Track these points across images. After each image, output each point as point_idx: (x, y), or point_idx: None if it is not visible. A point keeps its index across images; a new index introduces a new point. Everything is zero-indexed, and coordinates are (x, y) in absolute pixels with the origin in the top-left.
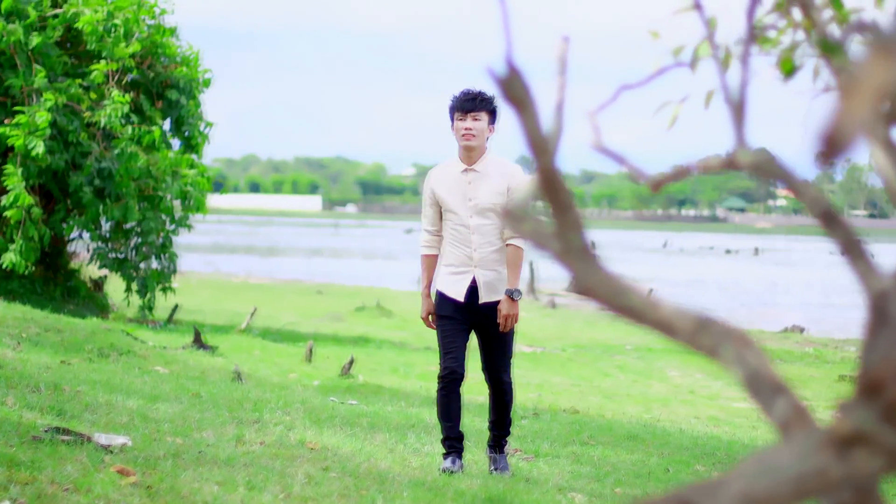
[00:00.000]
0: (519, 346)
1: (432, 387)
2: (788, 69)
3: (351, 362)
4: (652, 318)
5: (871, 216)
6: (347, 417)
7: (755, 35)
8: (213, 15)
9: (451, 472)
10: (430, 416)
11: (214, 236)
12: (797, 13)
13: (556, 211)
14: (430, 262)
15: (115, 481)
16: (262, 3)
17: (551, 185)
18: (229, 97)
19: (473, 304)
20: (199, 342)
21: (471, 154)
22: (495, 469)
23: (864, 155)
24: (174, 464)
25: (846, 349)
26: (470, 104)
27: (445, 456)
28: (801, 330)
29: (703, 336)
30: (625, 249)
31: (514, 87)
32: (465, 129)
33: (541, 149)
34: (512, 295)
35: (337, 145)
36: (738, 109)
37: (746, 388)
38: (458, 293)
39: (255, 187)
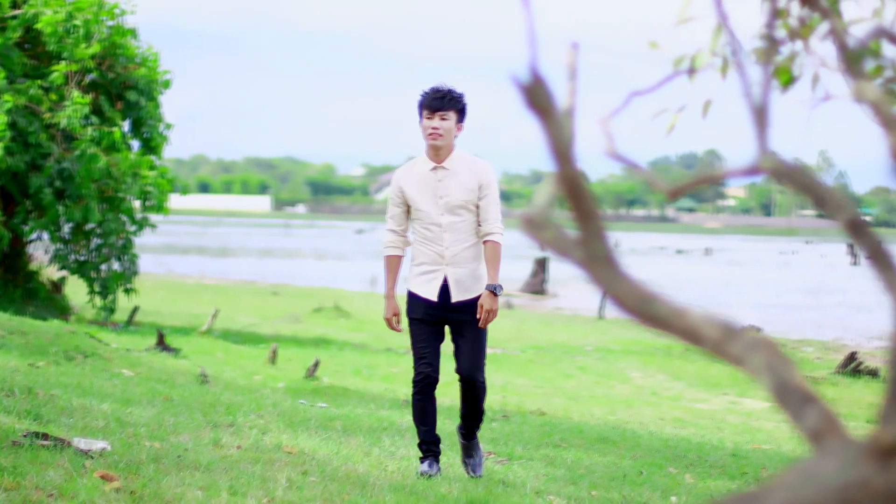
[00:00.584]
0: None
1: (397, 389)
2: (786, 80)
3: (316, 365)
4: (679, 327)
5: (820, 216)
6: (320, 420)
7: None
8: (159, 13)
9: (430, 475)
10: (401, 418)
11: (165, 237)
12: (794, 23)
13: (579, 219)
14: (395, 263)
15: (98, 487)
16: (209, 1)
17: (575, 192)
18: (178, 97)
19: (446, 304)
20: (162, 344)
21: (438, 152)
22: (466, 459)
23: (813, 156)
24: (156, 469)
25: (804, 349)
26: (438, 103)
27: (423, 460)
28: (758, 330)
29: (730, 344)
30: None
31: (538, 94)
32: (433, 128)
33: (564, 156)
34: (494, 290)
35: (286, 145)
36: (760, 114)
37: (774, 397)
38: (431, 293)
39: (204, 188)
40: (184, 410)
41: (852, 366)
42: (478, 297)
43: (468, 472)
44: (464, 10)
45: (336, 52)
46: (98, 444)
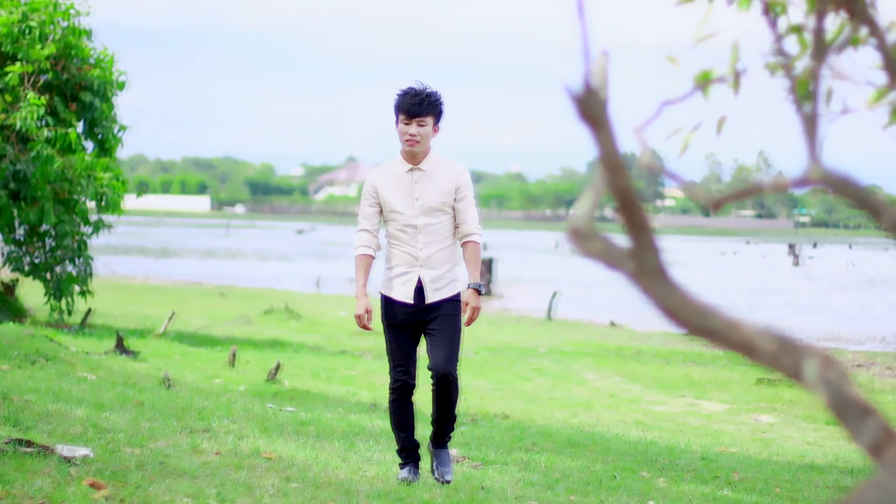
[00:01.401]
0: None
1: (359, 392)
2: (802, 92)
3: (277, 368)
4: (734, 340)
5: (759, 216)
6: (292, 425)
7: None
8: (95, 10)
9: (410, 482)
10: (371, 422)
11: (106, 238)
12: (808, 37)
13: (632, 231)
14: (367, 263)
15: (87, 495)
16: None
17: (628, 205)
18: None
19: (420, 305)
20: (121, 347)
21: (415, 155)
22: (437, 466)
23: (752, 155)
24: (142, 476)
25: None
26: (416, 109)
27: (402, 466)
28: None
29: (785, 357)
30: (517, 250)
31: (591, 106)
32: (410, 134)
33: (617, 168)
34: (479, 288)
35: (226, 145)
36: (810, 125)
37: (832, 410)
38: (406, 295)
39: (143, 188)
40: (157, 416)
41: None
42: (452, 297)
43: (438, 479)
44: (406, 9)
45: (274, 52)
46: (81, 451)
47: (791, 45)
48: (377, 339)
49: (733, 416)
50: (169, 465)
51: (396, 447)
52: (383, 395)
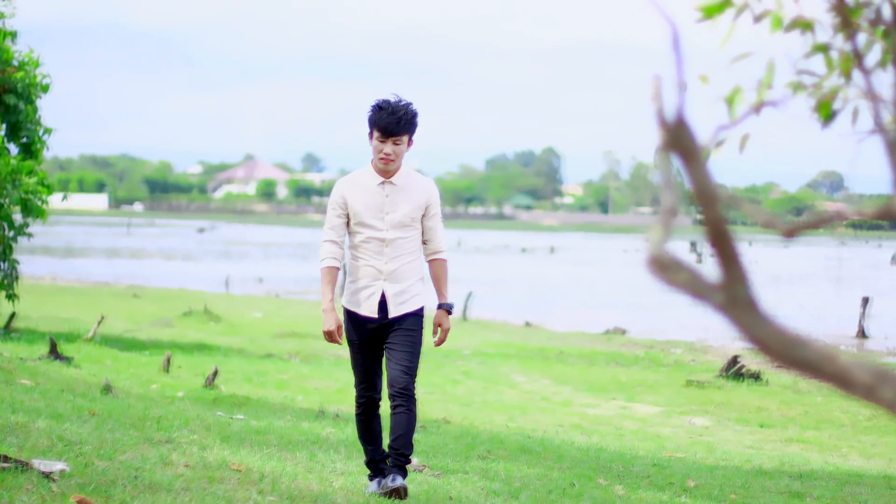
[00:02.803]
0: None
1: (294, 396)
2: (826, 114)
3: (215, 373)
4: (829, 372)
5: (657, 213)
6: (249, 434)
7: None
8: None
9: (379, 494)
10: (324, 430)
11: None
12: (836, 56)
13: (723, 262)
14: (334, 275)
15: None
16: None
17: (719, 235)
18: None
19: (384, 320)
20: (55, 353)
21: (389, 171)
22: (389, 483)
23: (649, 153)
24: (124, 491)
25: (672, 351)
26: (393, 128)
27: (371, 478)
28: (623, 332)
29: (883, 389)
30: None
31: (682, 137)
32: (385, 153)
33: (709, 199)
34: (450, 309)
35: (123, 143)
36: (894, 149)
37: None
38: (371, 310)
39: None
40: (117, 426)
41: (735, 369)
42: (414, 311)
43: (389, 484)
44: (304, 4)
45: (170, 48)
46: (58, 466)
47: (817, 64)
48: (301, 342)
49: (667, 418)
50: (143, 479)
51: (365, 459)
52: (323, 401)
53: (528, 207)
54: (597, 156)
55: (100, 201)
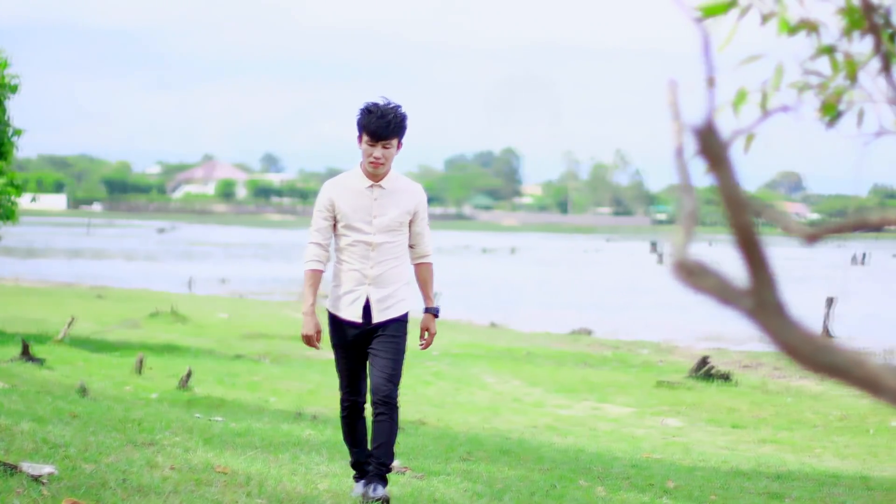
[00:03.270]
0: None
1: (267, 398)
2: (831, 114)
3: (189, 375)
4: (858, 377)
5: (617, 213)
6: (231, 437)
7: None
8: None
9: None
10: (303, 432)
11: None
12: (841, 58)
13: (751, 268)
14: (318, 278)
15: None
16: None
17: (748, 241)
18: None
19: (367, 324)
20: (27, 355)
21: (378, 174)
22: (371, 492)
23: (608, 154)
24: (113, 494)
25: (639, 352)
26: (383, 132)
27: (357, 479)
28: (589, 332)
29: None
30: None
31: (712, 144)
32: (375, 157)
33: (737, 206)
34: (436, 313)
35: (81, 143)
36: None
37: None
38: (355, 315)
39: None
40: (99, 429)
41: (704, 370)
42: (398, 317)
43: (370, 494)
44: (263, 6)
45: (128, 49)
46: (46, 469)
47: (822, 65)
48: (270, 343)
49: (639, 419)
50: (132, 482)
51: (350, 460)
52: (296, 402)
53: (488, 208)
54: (556, 156)
55: (59, 202)
